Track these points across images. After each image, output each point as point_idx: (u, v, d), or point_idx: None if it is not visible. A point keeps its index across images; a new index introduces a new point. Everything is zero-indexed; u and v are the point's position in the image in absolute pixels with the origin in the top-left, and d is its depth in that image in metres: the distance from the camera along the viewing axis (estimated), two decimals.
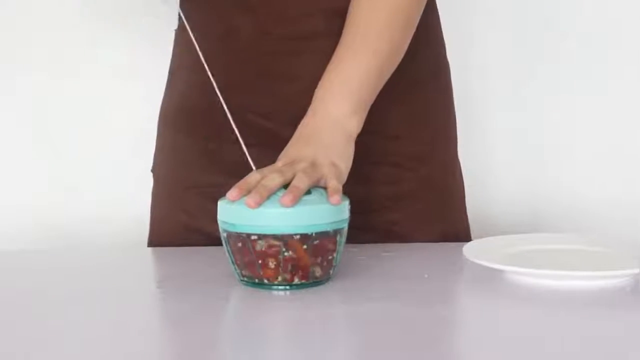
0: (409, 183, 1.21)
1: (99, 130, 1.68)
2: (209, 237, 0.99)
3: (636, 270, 0.95)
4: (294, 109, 1.09)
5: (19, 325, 0.88)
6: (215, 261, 1.03)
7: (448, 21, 1.27)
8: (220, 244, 0.99)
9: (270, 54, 1.17)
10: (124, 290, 1.00)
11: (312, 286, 0.96)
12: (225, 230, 0.97)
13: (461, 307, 0.97)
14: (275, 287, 0.95)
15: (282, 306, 0.93)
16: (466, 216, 1.29)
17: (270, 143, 1.08)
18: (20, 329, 0.86)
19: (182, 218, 1.22)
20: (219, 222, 0.97)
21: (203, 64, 1.11)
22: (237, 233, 0.95)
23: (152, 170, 1.28)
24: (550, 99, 1.69)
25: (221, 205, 0.97)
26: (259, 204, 0.93)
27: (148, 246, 1.26)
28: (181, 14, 1.07)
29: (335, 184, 0.98)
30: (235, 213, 0.95)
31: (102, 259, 1.18)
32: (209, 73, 1.04)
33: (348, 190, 1.01)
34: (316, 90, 1.08)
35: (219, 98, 1.05)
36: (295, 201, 0.93)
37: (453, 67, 1.28)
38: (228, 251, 0.97)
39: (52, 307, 0.94)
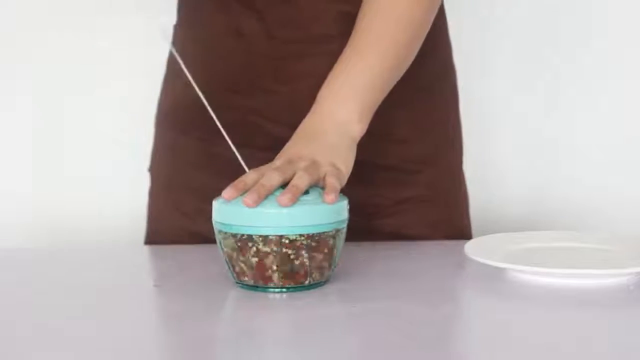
0: (413, 186, 1.20)
1: (98, 130, 1.67)
2: (205, 238, 0.97)
3: None
4: (301, 112, 1.06)
5: (19, 323, 0.87)
6: (212, 260, 1.02)
7: (449, 22, 1.27)
8: (216, 243, 0.96)
9: (277, 57, 1.15)
10: (120, 288, 0.99)
11: (309, 288, 0.94)
12: (220, 231, 0.94)
13: (462, 305, 0.97)
14: (272, 289, 0.94)
15: (280, 306, 0.91)
16: (469, 221, 1.28)
17: (273, 146, 1.06)
18: (20, 327, 0.86)
19: (177, 218, 1.21)
20: (213, 222, 0.95)
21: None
22: (232, 234, 0.92)
23: (149, 170, 1.27)
24: (550, 99, 1.69)
25: (216, 205, 0.95)
26: (257, 203, 0.91)
27: (145, 244, 1.26)
28: (173, 50, 1.03)
29: (333, 182, 0.95)
30: (230, 213, 0.92)
31: (100, 256, 1.18)
32: (190, 77, 0.99)
33: (351, 192, 0.99)
34: (321, 89, 1.06)
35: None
36: (294, 201, 0.91)
37: None
38: (223, 252, 0.95)
39: (50, 305, 0.93)
